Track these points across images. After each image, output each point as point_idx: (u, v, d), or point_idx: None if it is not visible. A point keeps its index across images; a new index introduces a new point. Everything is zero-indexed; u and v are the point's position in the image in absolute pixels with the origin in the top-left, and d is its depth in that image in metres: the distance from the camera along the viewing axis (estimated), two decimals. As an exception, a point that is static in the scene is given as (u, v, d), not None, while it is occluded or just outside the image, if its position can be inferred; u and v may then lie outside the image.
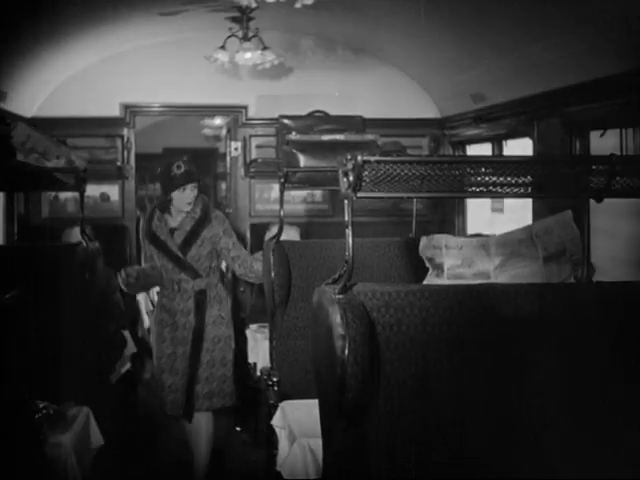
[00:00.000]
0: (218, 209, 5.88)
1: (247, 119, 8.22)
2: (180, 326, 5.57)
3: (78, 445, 4.09)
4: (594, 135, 5.48)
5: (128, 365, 6.58)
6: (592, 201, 2.90)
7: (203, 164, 11.82)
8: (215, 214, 5.66)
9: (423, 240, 4.96)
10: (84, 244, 5.03)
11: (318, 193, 8.33)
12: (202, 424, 5.66)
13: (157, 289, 5.95)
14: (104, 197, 8.16)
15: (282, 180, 5.12)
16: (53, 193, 7.95)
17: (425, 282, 4.77)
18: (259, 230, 7.56)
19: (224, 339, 5.62)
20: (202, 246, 5.58)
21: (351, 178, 2.62)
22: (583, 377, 2.82)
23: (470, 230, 7.75)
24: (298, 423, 4.19)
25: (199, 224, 5.56)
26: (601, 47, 4.86)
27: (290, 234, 6.79)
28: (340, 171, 2.66)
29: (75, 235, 6.66)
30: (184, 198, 5.50)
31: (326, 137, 7.21)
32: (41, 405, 4.08)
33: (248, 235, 7.95)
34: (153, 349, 5.72)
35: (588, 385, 2.84)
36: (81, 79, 7.87)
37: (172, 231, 5.59)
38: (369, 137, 7.22)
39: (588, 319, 2.84)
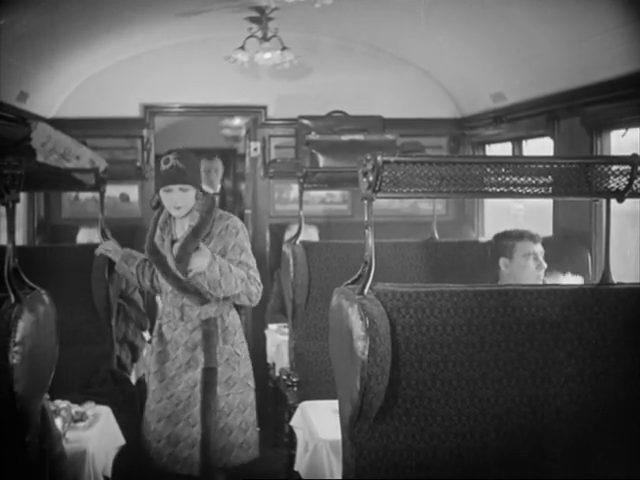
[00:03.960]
0: (238, 213, 5.09)
1: (266, 119, 8.22)
2: (184, 363, 4.59)
3: (99, 445, 4.10)
4: (615, 135, 5.45)
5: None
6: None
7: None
8: (227, 223, 4.57)
9: None
10: (103, 244, 5.03)
11: (337, 193, 8.32)
12: None
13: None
14: (124, 198, 8.17)
15: (301, 180, 5.13)
16: (73, 193, 7.97)
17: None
18: (278, 230, 7.56)
19: (240, 380, 4.64)
20: None
21: (371, 178, 2.62)
22: (604, 378, 2.81)
23: (489, 231, 7.72)
24: (317, 424, 4.19)
25: (194, 234, 4.48)
26: (622, 45, 4.83)
27: (309, 232, 6.78)
28: (360, 171, 2.66)
29: (87, 235, 6.69)
30: (170, 201, 4.47)
31: (345, 137, 7.21)
32: (62, 405, 4.10)
33: (267, 235, 7.94)
34: (148, 388, 4.75)
35: (609, 386, 2.83)
36: (101, 80, 7.89)
37: (174, 243, 4.56)
38: (389, 137, 7.21)
39: (609, 321, 2.82)
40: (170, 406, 4.60)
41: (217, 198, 7.32)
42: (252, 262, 4.58)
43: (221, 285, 4.39)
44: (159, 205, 4.61)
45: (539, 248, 4.65)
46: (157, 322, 4.74)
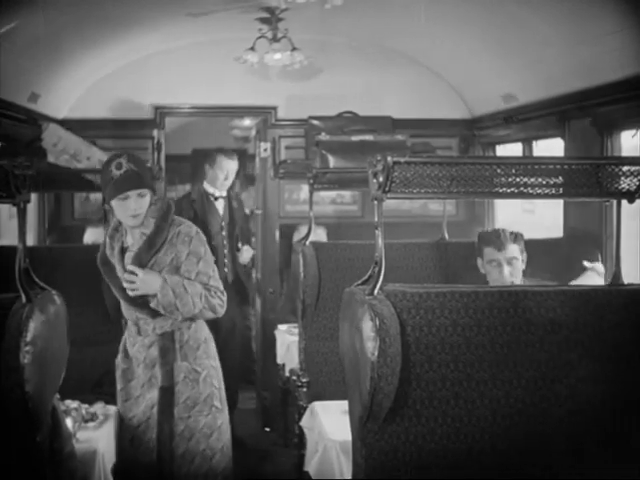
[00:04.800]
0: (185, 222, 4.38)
1: (276, 120, 8.22)
2: (145, 382, 4.26)
3: (109, 445, 4.11)
4: (626, 135, 5.44)
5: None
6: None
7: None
8: (178, 229, 4.22)
9: None
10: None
11: (347, 194, 8.31)
12: None
13: None
14: (134, 198, 8.18)
15: (311, 181, 5.13)
16: (84, 194, 7.98)
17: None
18: (288, 231, 7.57)
19: (203, 401, 4.27)
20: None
21: (381, 179, 2.62)
22: (615, 380, 2.80)
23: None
24: (327, 424, 4.19)
25: (150, 244, 4.14)
26: (634, 46, 4.82)
27: (318, 233, 6.78)
28: (370, 172, 2.66)
29: (94, 234, 6.71)
30: (125, 210, 4.08)
31: (356, 138, 7.21)
32: (72, 405, 4.11)
33: (277, 236, 7.95)
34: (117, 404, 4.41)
35: (620, 388, 2.82)
36: (112, 81, 7.90)
37: (124, 252, 4.25)
38: (399, 138, 7.21)
39: (620, 322, 2.82)
40: (131, 428, 4.28)
41: (223, 202, 7.25)
42: (212, 270, 4.29)
43: (177, 307, 4.11)
44: (106, 218, 4.34)
45: (506, 254, 4.57)
46: (123, 337, 4.44)
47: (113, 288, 4.26)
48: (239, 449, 5.39)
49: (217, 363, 4.43)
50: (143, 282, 4.09)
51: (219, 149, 7.33)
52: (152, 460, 4.22)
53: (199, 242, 4.26)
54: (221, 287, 4.30)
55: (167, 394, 4.20)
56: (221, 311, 4.28)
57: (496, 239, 4.58)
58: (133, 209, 4.07)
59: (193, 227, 4.30)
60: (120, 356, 4.37)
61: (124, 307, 4.32)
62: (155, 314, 4.19)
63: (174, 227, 4.22)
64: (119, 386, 4.34)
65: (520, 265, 4.59)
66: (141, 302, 4.17)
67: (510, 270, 4.54)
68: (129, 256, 4.19)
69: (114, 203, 4.09)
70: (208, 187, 7.19)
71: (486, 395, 2.74)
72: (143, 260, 4.14)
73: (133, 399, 4.29)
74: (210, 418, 4.29)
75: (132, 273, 4.11)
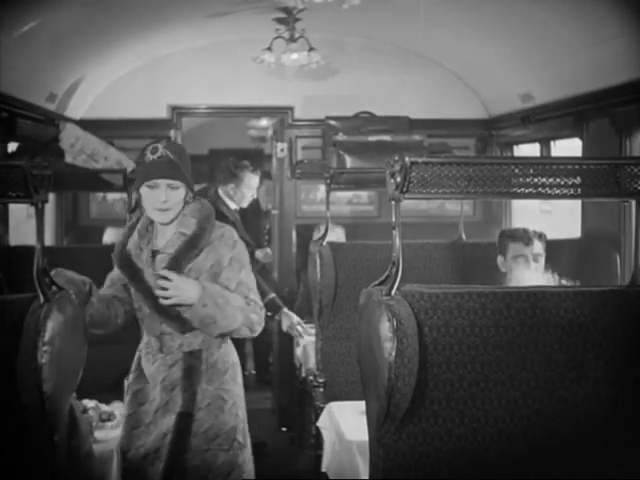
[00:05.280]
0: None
1: (293, 120, 8.23)
2: (161, 406, 3.67)
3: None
4: None
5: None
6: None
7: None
8: (221, 231, 3.75)
9: None
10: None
11: (364, 194, 8.32)
12: None
13: None
14: (151, 198, 8.20)
15: (328, 181, 5.13)
16: (101, 194, 8.02)
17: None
18: (305, 231, 7.56)
19: (225, 433, 3.70)
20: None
21: (398, 179, 2.61)
22: (634, 381, 2.79)
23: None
24: (344, 424, 4.19)
25: (190, 245, 3.63)
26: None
27: (337, 231, 6.78)
28: (387, 172, 2.65)
29: (114, 234, 6.72)
30: (153, 201, 3.58)
31: (373, 138, 7.21)
32: (90, 405, 4.12)
33: (294, 236, 7.95)
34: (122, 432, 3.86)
35: (639, 389, 2.81)
36: (129, 81, 7.94)
37: (154, 254, 3.68)
38: (416, 138, 7.21)
39: (638, 323, 2.80)
40: (136, 459, 3.70)
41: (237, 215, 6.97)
42: (252, 282, 3.82)
43: (216, 321, 3.60)
44: (137, 207, 3.79)
45: (533, 250, 4.58)
46: (137, 353, 3.87)
47: (138, 295, 3.69)
48: (256, 449, 5.38)
49: (242, 392, 3.90)
50: (179, 289, 3.55)
51: (241, 164, 6.70)
52: None
53: (243, 248, 3.79)
54: (261, 302, 3.84)
55: (186, 421, 3.62)
56: (258, 330, 3.79)
57: (523, 234, 4.59)
58: (162, 201, 3.56)
59: (235, 232, 3.82)
60: (132, 376, 3.84)
61: (148, 319, 3.73)
62: (185, 328, 3.64)
63: (217, 229, 3.74)
64: (128, 410, 3.80)
65: (543, 263, 4.59)
66: (174, 313, 3.61)
67: (536, 266, 4.54)
68: (162, 259, 3.63)
69: (143, 191, 3.58)
70: (229, 202, 6.58)
71: (504, 396, 2.73)
72: (181, 264, 3.61)
73: (144, 426, 3.70)
74: (231, 454, 3.71)
75: (166, 278, 3.56)
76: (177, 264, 3.61)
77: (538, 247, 4.59)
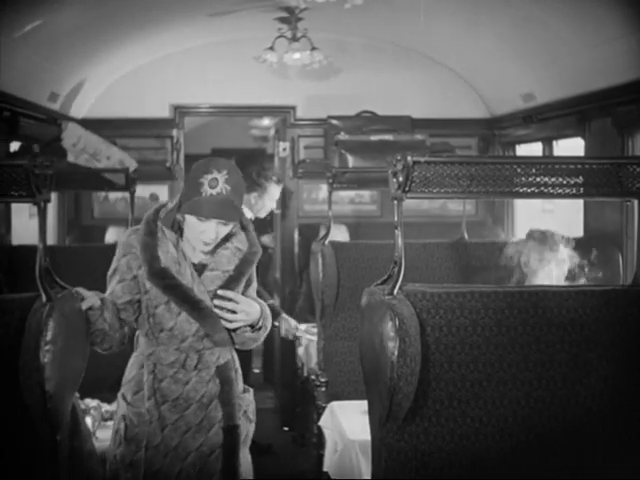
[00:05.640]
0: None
1: (295, 120, 8.22)
2: (193, 425, 3.41)
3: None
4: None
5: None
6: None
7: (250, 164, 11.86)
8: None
9: None
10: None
11: (366, 194, 8.31)
12: None
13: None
14: (153, 197, 8.20)
15: (330, 181, 5.13)
16: (103, 193, 8.02)
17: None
18: (307, 231, 7.56)
19: (248, 440, 3.62)
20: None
21: (401, 179, 2.61)
22: (636, 380, 2.79)
23: (519, 231, 7.68)
24: (346, 424, 4.19)
25: (249, 262, 3.48)
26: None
27: (342, 230, 6.77)
28: (389, 172, 2.66)
29: (116, 233, 6.73)
30: (200, 233, 3.32)
31: (375, 137, 7.20)
32: (92, 404, 4.13)
33: (296, 236, 7.95)
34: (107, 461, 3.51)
35: (641, 389, 2.81)
36: (131, 80, 7.93)
37: (197, 268, 3.42)
38: (418, 137, 7.20)
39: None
40: None
41: None
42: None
43: (258, 340, 3.55)
44: (174, 226, 3.43)
45: (557, 255, 4.56)
46: (147, 376, 3.46)
47: (189, 310, 3.36)
48: (260, 450, 5.39)
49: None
50: (247, 313, 3.39)
51: (266, 174, 6.48)
52: None
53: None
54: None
55: (234, 434, 3.47)
56: (260, 342, 3.64)
57: (549, 238, 4.58)
58: (212, 238, 3.33)
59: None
60: (149, 404, 3.42)
61: (192, 339, 3.41)
62: (230, 342, 3.46)
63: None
64: (140, 452, 3.40)
65: (565, 269, 4.57)
66: (223, 328, 3.41)
67: (557, 272, 4.52)
68: (216, 276, 3.41)
69: (190, 219, 3.31)
70: (247, 211, 6.38)
71: (506, 395, 2.73)
72: (239, 282, 3.45)
73: (168, 458, 3.41)
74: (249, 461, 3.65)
75: (228, 299, 3.36)
76: (237, 282, 3.43)
77: (563, 253, 4.56)
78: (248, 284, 3.53)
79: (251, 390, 3.66)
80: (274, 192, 6.45)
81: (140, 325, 3.48)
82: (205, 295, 3.34)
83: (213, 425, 3.41)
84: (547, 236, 4.61)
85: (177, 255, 3.36)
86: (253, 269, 3.53)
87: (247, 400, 3.59)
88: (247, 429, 3.56)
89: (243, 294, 3.45)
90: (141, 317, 3.45)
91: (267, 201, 6.42)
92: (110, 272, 3.46)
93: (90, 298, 3.11)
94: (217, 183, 3.24)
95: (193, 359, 3.40)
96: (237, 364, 3.58)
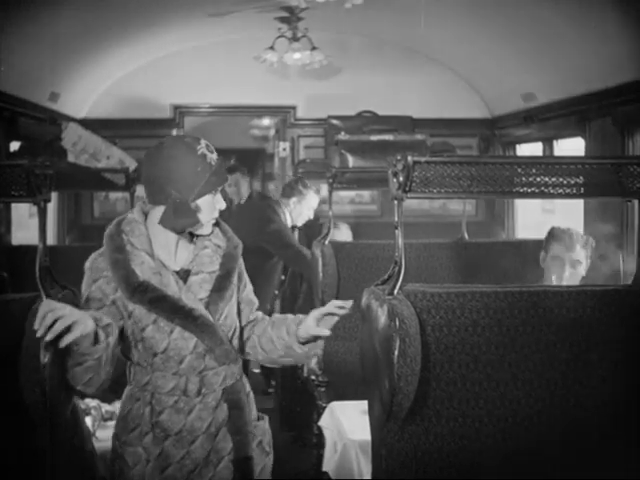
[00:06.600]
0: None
1: (296, 119, 8.22)
2: (200, 460, 2.94)
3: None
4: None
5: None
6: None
7: (251, 164, 11.84)
8: (230, 233, 3.16)
9: None
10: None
11: (366, 194, 8.31)
12: None
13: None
14: (153, 197, 8.19)
15: (331, 181, 5.12)
16: (103, 193, 8.02)
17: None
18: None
19: (267, 474, 3.15)
20: (231, 300, 3.07)
21: (401, 179, 2.61)
22: (636, 380, 2.79)
23: (520, 231, 7.69)
24: (346, 424, 4.18)
25: (234, 258, 3.08)
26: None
27: (343, 229, 6.76)
28: (390, 172, 2.66)
29: None
30: (212, 208, 2.96)
31: (375, 137, 7.20)
32: (92, 404, 4.12)
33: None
34: None
35: (641, 389, 2.81)
36: (131, 80, 7.93)
37: (181, 276, 2.97)
38: (418, 137, 7.20)
39: (641, 322, 2.80)
40: None
41: None
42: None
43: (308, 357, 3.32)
44: (132, 222, 2.99)
45: (573, 255, 4.54)
46: (144, 409, 3.00)
47: (186, 327, 2.91)
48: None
49: None
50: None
51: (306, 183, 6.58)
52: None
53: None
54: None
55: (247, 466, 3.02)
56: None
57: (567, 238, 4.55)
58: (221, 203, 2.98)
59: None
60: (146, 441, 2.97)
61: (190, 357, 2.95)
62: (233, 355, 3.04)
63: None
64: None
65: (581, 271, 4.55)
66: (224, 338, 2.99)
67: (571, 272, 4.51)
68: (202, 279, 2.99)
69: (205, 199, 2.92)
70: (284, 214, 6.59)
71: (506, 395, 2.73)
72: (227, 283, 3.05)
73: None
74: None
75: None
76: (228, 281, 3.03)
77: (579, 254, 4.53)
78: (243, 286, 3.17)
79: (266, 418, 3.23)
80: (312, 201, 6.63)
81: (130, 355, 3.01)
82: (197, 303, 2.92)
83: (222, 458, 2.97)
84: (566, 235, 4.59)
85: (155, 265, 2.90)
86: (241, 265, 3.13)
87: (262, 429, 3.15)
88: (263, 462, 3.12)
89: (239, 296, 3.14)
90: (128, 345, 2.98)
91: (305, 209, 6.63)
92: (82, 302, 2.91)
93: (77, 325, 2.47)
94: (209, 145, 2.92)
95: (195, 383, 2.94)
96: (248, 387, 3.14)
